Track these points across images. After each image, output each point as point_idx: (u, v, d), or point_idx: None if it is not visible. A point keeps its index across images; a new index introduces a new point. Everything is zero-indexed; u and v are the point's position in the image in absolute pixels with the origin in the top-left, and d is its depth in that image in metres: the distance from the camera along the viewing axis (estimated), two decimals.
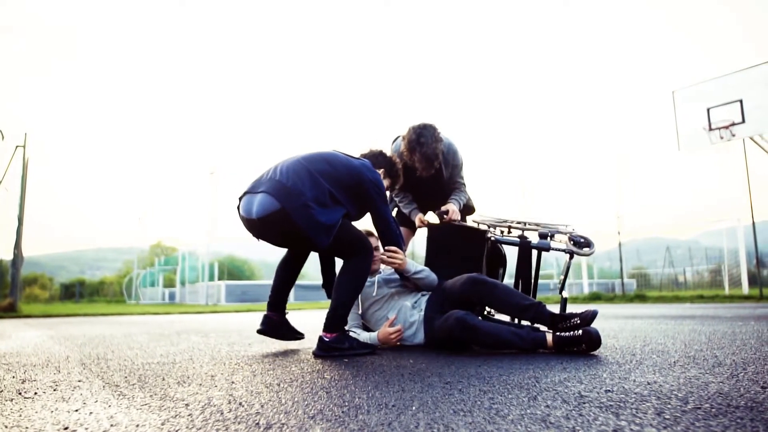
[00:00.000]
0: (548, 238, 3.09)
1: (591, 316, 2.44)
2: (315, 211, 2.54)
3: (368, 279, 3.05)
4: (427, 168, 3.31)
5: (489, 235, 3.27)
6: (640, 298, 13.53)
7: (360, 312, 3.03)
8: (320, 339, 2.64)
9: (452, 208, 3.40)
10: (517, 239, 3.19)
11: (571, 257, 3.01)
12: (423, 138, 3.23)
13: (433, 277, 3.03)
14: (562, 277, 3.03)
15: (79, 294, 36.70)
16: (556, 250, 3.06)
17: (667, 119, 10.50)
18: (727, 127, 9.44)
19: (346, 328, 2.90)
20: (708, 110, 9.70)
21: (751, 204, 10.79)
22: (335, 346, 2.61)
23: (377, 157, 3.06)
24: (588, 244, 3.00)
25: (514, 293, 2.67)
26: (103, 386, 1.84)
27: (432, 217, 3.59)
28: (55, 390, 1.78)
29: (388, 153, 3.54)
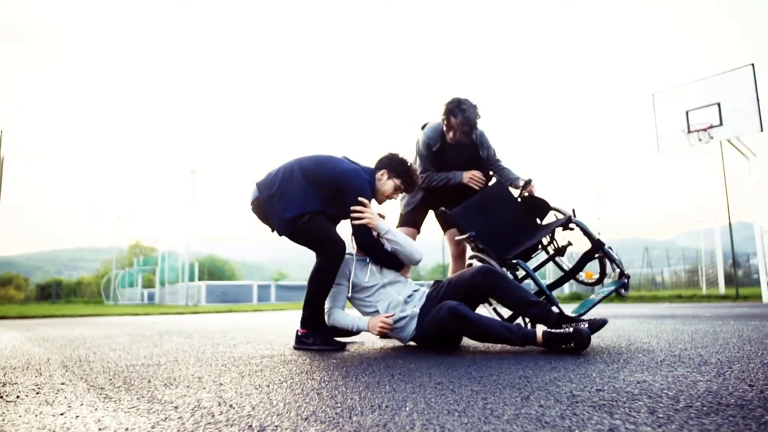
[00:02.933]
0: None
1: (599, 324, 2.43)
2: (276, 202, 2.91)
3: (363, 262, 3.02)
4: (465, 133, 3.40)
5: (573, 218, 3.24)
6: (619, 297, 13.68)
7: (349, 294, 2.98)
8: (296, 333, 3.03)
9: (533, 181, 3.52)
10: (596, 235, 3.19)
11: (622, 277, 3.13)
12: (464, 105, 3.37)
13: (412, 249, 2.95)
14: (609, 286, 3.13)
15: (55, 295, 36.08)
16: (617, 265, 3.13)
17: (647, 121, 10.66)
18: (705, 130, 9.61)
19: (330, 306, 2.99)
20: (687, 113, 9.86)
21: (728, 205, 10.99)
22: (303, 341, 2.98)
23: (381, 161, 3.13)
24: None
25: (523, 289, 2.70)
26: (88, 389, 1.80)
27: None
28: (37, 393, 1.74)
29: (420, 139, 3.62)
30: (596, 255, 3.17)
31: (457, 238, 3.43)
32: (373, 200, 3.12)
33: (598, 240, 3.13)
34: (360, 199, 2.89)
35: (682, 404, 1.35)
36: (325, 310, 2.99)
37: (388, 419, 1.27)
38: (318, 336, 2.95)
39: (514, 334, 2.48)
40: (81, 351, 3.15)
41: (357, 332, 2.95)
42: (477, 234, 3.24)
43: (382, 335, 2.87)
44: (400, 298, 2.90)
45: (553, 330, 2.47)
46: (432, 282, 3.05)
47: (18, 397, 1.68)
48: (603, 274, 3.31)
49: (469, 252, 3.47)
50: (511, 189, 3.60)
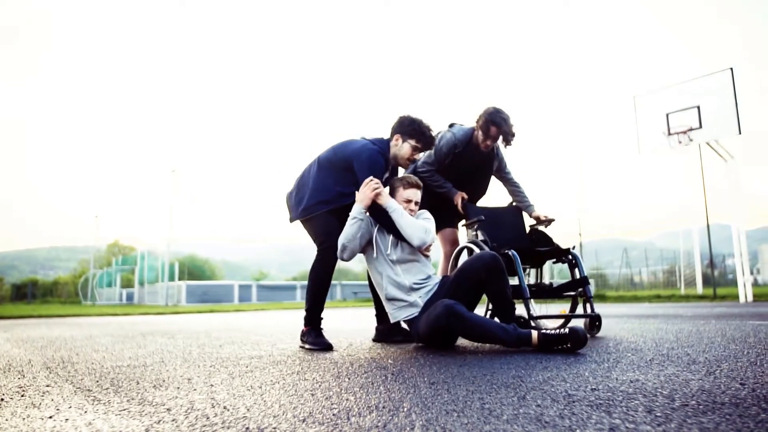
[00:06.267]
0: None
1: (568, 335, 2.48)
2: (294, 196, 3.19)
3: (383, 236, 2.98)
4: (507, 143, 3.50)
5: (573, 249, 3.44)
6: (600, 297, 13.85)
7: (373, 232, 2.98)
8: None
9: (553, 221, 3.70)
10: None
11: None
12: (504, 115, 3.45)
13: (411, 232, 2.82)
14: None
15: (31, 295, 35.38)
16: (591, 305, 3.35)
17: (629, 123, 10.78)
18: (684, 132, 9.75)
19: (355, 214, 2.89)
20: (667, 115, 9.99)
21: (706, 207, 11.18)
22: (301, 338, 3.10)
23: (393, 127, 3.17)
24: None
25: (510, 289, 2.79)
26: (75, 391, 1.76)
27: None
28: (22, 396, 1.69)
29: (446, 137, 3.64)
30: (578, 288, 3.33)
31: (463, 222, 3.63)
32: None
33: (586, 277, 3.30)
34: (370, 177, 2.90)
35: (677, 403, 1.36)
36: (339, 247, 2.91)
37: (387, 420, 1.26)
38: (310, 335, 3.03)
39: (510, 335, 2.48)
40: (63, 352, 3.08)
41: (362, 222, 2.89)
42: (482, 223, 3.40)
43: (374, 198, 2.86)
44: (406, 282, 2.88)
45: (548, 332, 2.47)
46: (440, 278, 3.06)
47: (2, 400, 1.63)
48: (572, 312, 3.49)
49: (463, 241, 3.67)
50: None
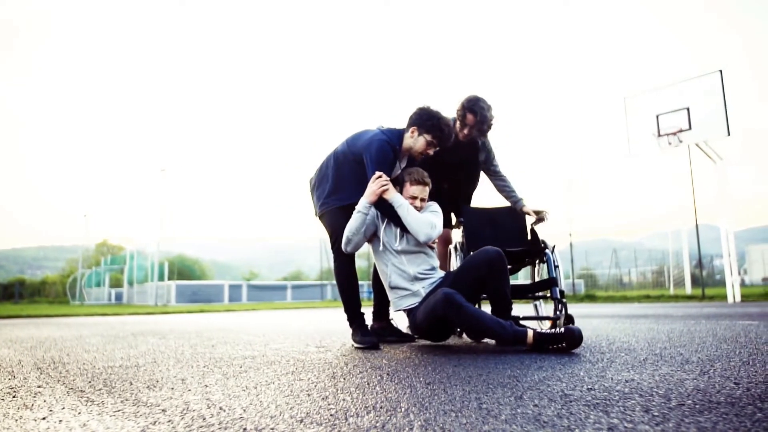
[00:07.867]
0: None
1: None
2: (314, 191, 3.26)
3: (390, 228, 2.98)
4: (482, 132, 3.38)
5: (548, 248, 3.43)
6: (589, 297, 13.94)
7: (380, 232, 2.99)
8: None
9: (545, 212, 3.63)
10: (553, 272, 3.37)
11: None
12: (482, 103, 3.32)
13: (417, 228, 2.80)
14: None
15: (18, 294, 35.03)
16: (565, 308, 3.26)
17: (619, 125, 10.84)
18: (674, 134, 9.83)
19: (360, 209, 2.88)
20: (657, 117, 10.07)
21: (695, 208, 11.27)
22: (352, 338, 3.10)
23: (411, 117, 3.08)
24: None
25: (509, 288, 2.78)
26: (67, 392, 1.74)
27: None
28: (14, 397, 1.67)
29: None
30: (548, 289, 3.29)
31: (454, 221, 3.69)
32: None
33: (555, 278, 3.25)
34: (377, 173, 2.86)
35: (674, 402, 1.37)
36: (344, 240, 2.91)
37: (385, 420, 1.25)
38: (356, 333, 3.07)
39: (506, 331, 2.47)
40: (53, 352, 3.05)
41: (367, 213, 2.87)
42: (467, 224, 3.44)
43: (381, 194, 2.84)
44: (411, 272, 2.88)
45: (544, 331, 2.48)
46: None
47: None
48: (556, 315, 3.37)
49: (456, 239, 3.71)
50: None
